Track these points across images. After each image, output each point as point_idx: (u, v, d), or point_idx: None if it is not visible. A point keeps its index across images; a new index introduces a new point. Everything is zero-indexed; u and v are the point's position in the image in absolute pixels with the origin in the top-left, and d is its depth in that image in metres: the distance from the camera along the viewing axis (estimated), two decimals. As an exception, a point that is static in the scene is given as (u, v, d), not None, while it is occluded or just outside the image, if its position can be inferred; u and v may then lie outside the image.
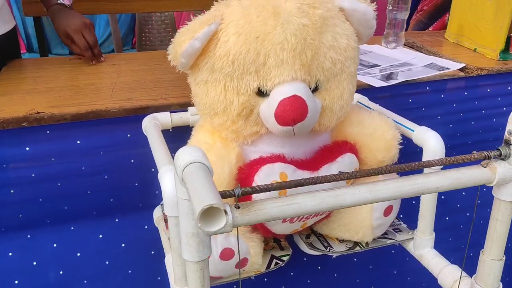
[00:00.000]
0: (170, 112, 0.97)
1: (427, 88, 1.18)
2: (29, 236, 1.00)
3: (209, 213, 0.44)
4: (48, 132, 0.95)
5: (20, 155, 0.94)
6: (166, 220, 0.99)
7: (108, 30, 3.83)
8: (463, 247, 1.32)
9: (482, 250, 0.75)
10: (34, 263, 1.00)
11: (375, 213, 0.86)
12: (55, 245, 1.02)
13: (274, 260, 0.86)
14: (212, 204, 0.42)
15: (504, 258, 0.74)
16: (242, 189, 0.50)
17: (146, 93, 1.07)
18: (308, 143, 0.82)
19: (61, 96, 1.05)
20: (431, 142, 0.84)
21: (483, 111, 1.24)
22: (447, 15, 1.76)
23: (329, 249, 0.90)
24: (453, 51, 1.38)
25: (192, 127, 0.98)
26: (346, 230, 0.89)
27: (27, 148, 0.94)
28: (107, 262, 1.05)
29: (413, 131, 0.87)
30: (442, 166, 0.67)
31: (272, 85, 0.72)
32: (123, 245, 1.05)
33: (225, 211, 0.43)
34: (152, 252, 1.08)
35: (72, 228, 1.03)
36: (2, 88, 1.08)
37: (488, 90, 1.23)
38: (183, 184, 0.51)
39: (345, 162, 0.82)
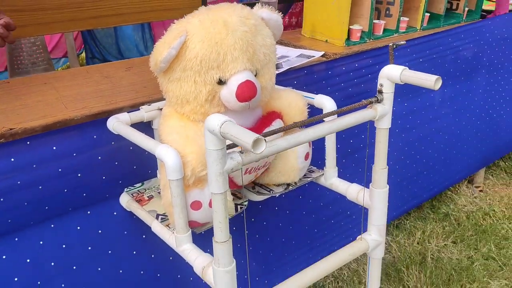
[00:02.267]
0: (128, 112, 1.20)
1: (305, 71, 1.59)
2: (16, 239, 1.13)
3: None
4: (28, 143, 1.09)
5: (6, 167, 1.07)
6: (138, 200, 1.22)
7: None
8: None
9: (373, 164, 1.16)
10: (28, 260, 1.13)
11: (299, 159, 1.22)
12: (41, 242, 1.16)
13: (238, 206, 1.16)
14: (258, 136, 0.72)
15: (388, 167, 1.16)
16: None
17: (95, 101, 1.26)
18: (251, 115, 1.13)
19: (20, 115, 1.18)
20: (327, 104, 1.23)
21: (342, 84, 1.70)
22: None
23: (272, 192, 1.23)
24: (310, 44, 1.82)
25: (146, 122, 1.23)
26: (281, 175, 1.23)
27: (12, 159, 1.07)
28: (89, 248, 1.22)
29: (313, 99, 1.25)
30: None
31: (229, 75, 1.02)
32: (99, 231, 1.24)
33: (265, 140, 0.73)
34: (125, 232, 1.28)
35: (52, 225, 1.17)
36: None
37: (344, 68, 1.69)
38: (222, 137, 0.78)
39: (276, 125, 1.15)
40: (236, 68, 1.01)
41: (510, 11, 2.31)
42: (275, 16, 1.11)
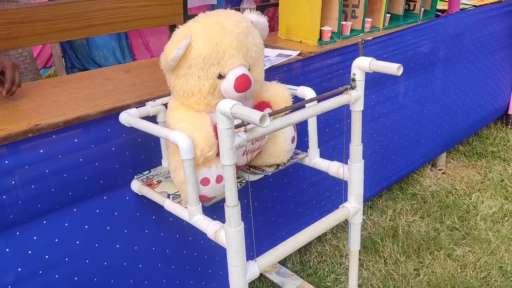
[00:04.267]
0: (136, 108, 1.37)
1: (285, 68, 1.79)
2: (45, 222, 1.28)
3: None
4: (53, 136, 1.25)
5: (36, 157, 1.22)
6: (149, 185, 1.39)
7: None
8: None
9: (350, 142, 1.37)
10: (56, 240, 1.29)
11: (287, 141, 1.42)
12: (66, 224, 1.31)
13: (237, 183, 1.35)
14: (264, 113, 0.92)
15: (365, 142, 1.37)
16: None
17: (104, 100, 1.43)
18: (245, 105, 1.32)
19: (40, 113, 1.33)
20: (308, 94, 1.43)
21: (317, 79, 1.91)
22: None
23: (264, 171, 1.43)
24: (286, 44, 2.03)
25: (152, 116, 1.40)
26: (272, 157, 1.42)
27: (41, 151, 1.23)
28: (108, 228, 1.38)
29: (296, 90, 1.46)
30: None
31: (228, 70, 1.21)
32: (116, 213, 1.40)
33: (269, 117, 0.93)
34: (138, 214, 1.44)
35: (75, 209, 1.33)
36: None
37: (318, 64, 1.90)
38: (232, 117, 0.97)
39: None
40: (233, 64, 1.21)
41: (461, 9, 2.59)
42: (262, 20, 1.31)
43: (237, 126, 1.04)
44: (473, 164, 2.82)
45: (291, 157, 1.49)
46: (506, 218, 2.30)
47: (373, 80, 2.17)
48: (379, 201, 2.43)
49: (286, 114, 1.19)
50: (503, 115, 3.25)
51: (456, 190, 2.54)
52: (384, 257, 2.03)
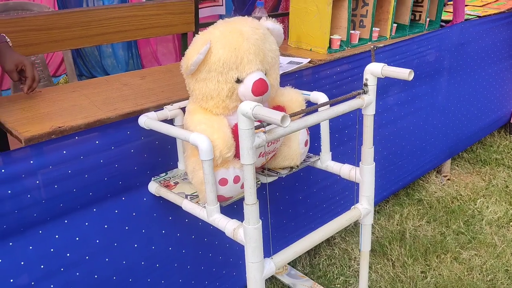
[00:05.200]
0: (155, 111, 1.41)
1: (296, 75, 1.84)
2: (66, 221, 1.32)
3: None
4: (76, 138, 1.30)
5: (59, 158, 1.27)
6: (166, 186, 1.43)
7: None
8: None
9: (362, 145, 1.42)
10: (77, 238, 1.33)
11: (301, 144, 1.46)
12: (87, 223, 1.35)
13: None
14: (284, 114, 0.96)
15: (373, 147, 1.41)
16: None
17: (123, 104, 1.48)
18: (260, 109, 1.37)
19: (62, 116, 1.38)
20: (321, 98, 1.48)
21: (327, 86, 1.96)
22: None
23: (279, 173, 1.47)
24: (297, 52, 2.08)
25: (171, 119, 1.45)
26: (286, 159, 1.47)
27: (64, 152, 1.27)
28: (126, 228, 1.42)
29: (309, 95, 1.50)
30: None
31: (245, 75, 1.26)
32: (134, 213, 1.44)
33: (289, 117, 0.97)
34: (155, 215, 1.48)
35: (95, 209, 1.37)
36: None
37: (328, 72, 1.95)
38: (253, 118, 1.01)
39: (282, 117, 1.40)
40: (251, 69, 1.25)
41: (465, 20, 2.64)
42: (277, 27, 1.36)
43: (256, 128, 1.09)
44: (478, 171, 2.85)
45: (304, 160, 1.53)
46: (511, 223, 2.33)
47: (381, 87, 2.22)
48: (386, 206, 2.47)
49: (301, 117, 1.24)
50: (507, 124, 3.30)
51: (461, 196, 2.58)
52: (392, 260, 2.06)
